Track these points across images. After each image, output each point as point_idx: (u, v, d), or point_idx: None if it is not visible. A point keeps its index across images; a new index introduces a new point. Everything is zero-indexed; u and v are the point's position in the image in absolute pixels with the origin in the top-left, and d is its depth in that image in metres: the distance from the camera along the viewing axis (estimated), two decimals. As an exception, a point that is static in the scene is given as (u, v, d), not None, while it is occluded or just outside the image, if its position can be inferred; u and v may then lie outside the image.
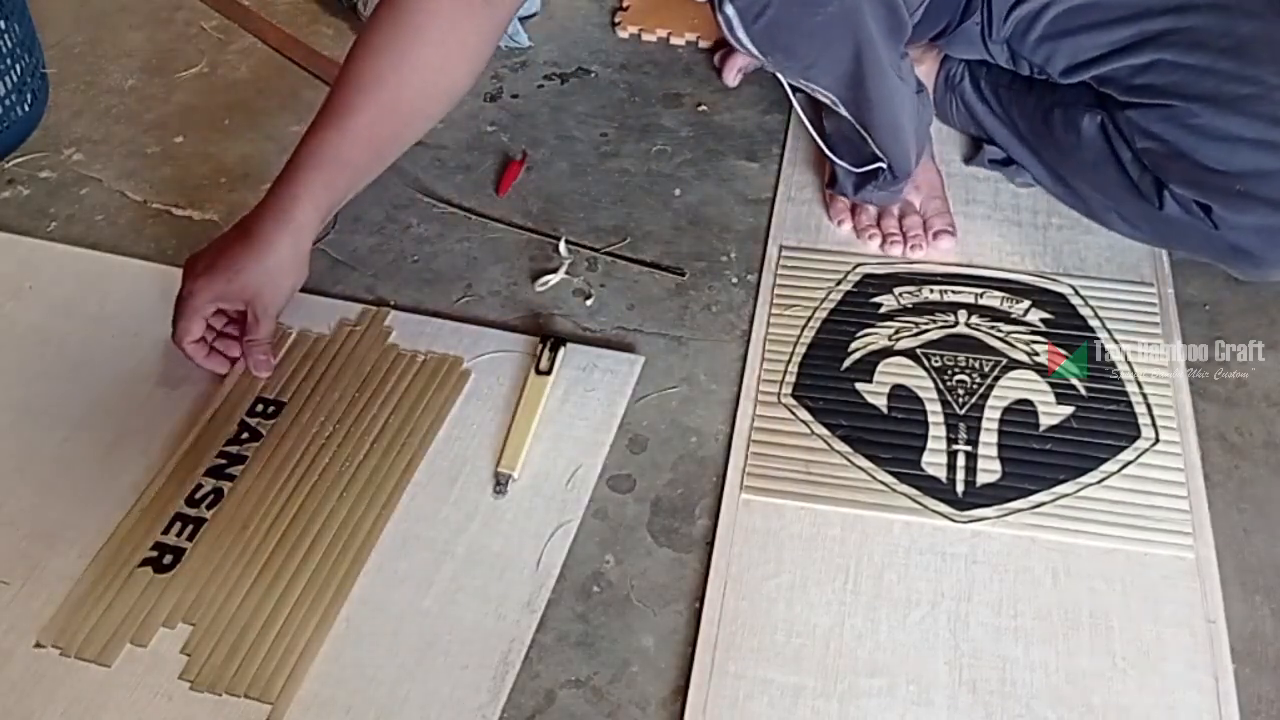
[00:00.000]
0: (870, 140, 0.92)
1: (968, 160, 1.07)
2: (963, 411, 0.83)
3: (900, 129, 0.92)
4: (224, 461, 0.82)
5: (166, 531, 0.78)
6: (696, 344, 0.91)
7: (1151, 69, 0.84)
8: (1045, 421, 0.83)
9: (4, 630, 0.74)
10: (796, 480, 0.80)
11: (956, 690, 0.69)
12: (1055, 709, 0.68)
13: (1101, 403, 0.84)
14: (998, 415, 0.81)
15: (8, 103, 1.12)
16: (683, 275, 0.97)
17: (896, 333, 0.90)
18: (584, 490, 0.80)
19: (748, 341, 0.91)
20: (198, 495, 0.80)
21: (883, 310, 0.92)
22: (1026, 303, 0.92)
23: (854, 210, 1.00)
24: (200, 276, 0.83)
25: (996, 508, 0.77)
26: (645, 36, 1.25)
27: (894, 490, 0.79)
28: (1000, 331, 0.89)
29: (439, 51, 0.83)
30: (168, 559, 0.77)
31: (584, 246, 1.00)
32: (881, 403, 0.85)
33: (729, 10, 0.77)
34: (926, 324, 0.91)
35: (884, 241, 0.97)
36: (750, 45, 0.80)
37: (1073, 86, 0.92)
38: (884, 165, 0.93)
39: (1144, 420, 0.83)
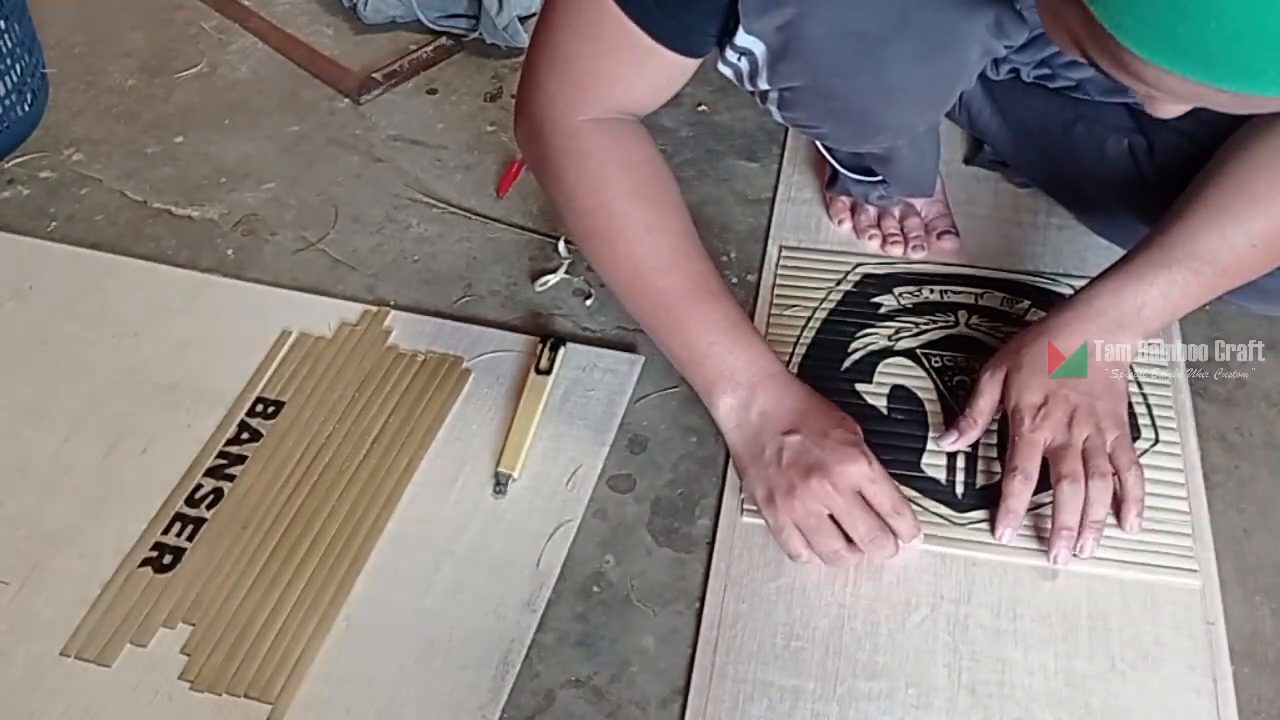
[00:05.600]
0: (887, 181, 0.91)
1: (968, 160, 1.07)
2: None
3: (920, 173, 0.92)
4: (224, 461, 0.83)
5: (166, 532, 0.78)
6: (696, 344, 0.91)
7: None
8: (1045, 422, 0.83)
9: (4, 630, 0.74)
10: (796, 481, 0.80)
11: (956, 693, 0.69)
12: (1054, 711, 0.68)
13: (1101, 403, 0.84)
14: (998, 416, 0.81)
15: (8, 103, 1.12)
16: (683, 275, 0.97)
17: (896, 333, 0.90)
18: (584, 490, 0.80)
19: (748, 342, 0.91)
20: (198, 495, 0.80)
21: (883, 310, 0.92)
22: (1026, 303, 0.92)
23: (854, 210, 1.00)
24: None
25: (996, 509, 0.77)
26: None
27: (894, 491, 0.79)
28: (1001, 332, 0.89)
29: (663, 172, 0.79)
30: (168, 559, 0.77)
31: (584, 246, 1.00)
32: (881, 404, 0.85)
33: (726, 70, 0.72)
34: (926, 324, 0.90)
35: (884, 242, 0.97)
36: (774, 112, 0.76)
37: (1102, 103, 0.90)
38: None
39: (1144, 420, 0.83)
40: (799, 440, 0.73)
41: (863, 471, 0.72)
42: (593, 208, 0.76)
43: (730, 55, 0.70)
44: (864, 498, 0.73)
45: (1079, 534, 0.73)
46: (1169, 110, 0.53)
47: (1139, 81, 0.48)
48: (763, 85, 0.72)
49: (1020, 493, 0.74)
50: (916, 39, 0.66)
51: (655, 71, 0.72)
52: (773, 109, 0.75)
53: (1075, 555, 0.73)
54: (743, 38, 0.68)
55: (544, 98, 0.75)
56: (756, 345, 0.77)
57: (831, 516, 0.73)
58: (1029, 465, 0.74)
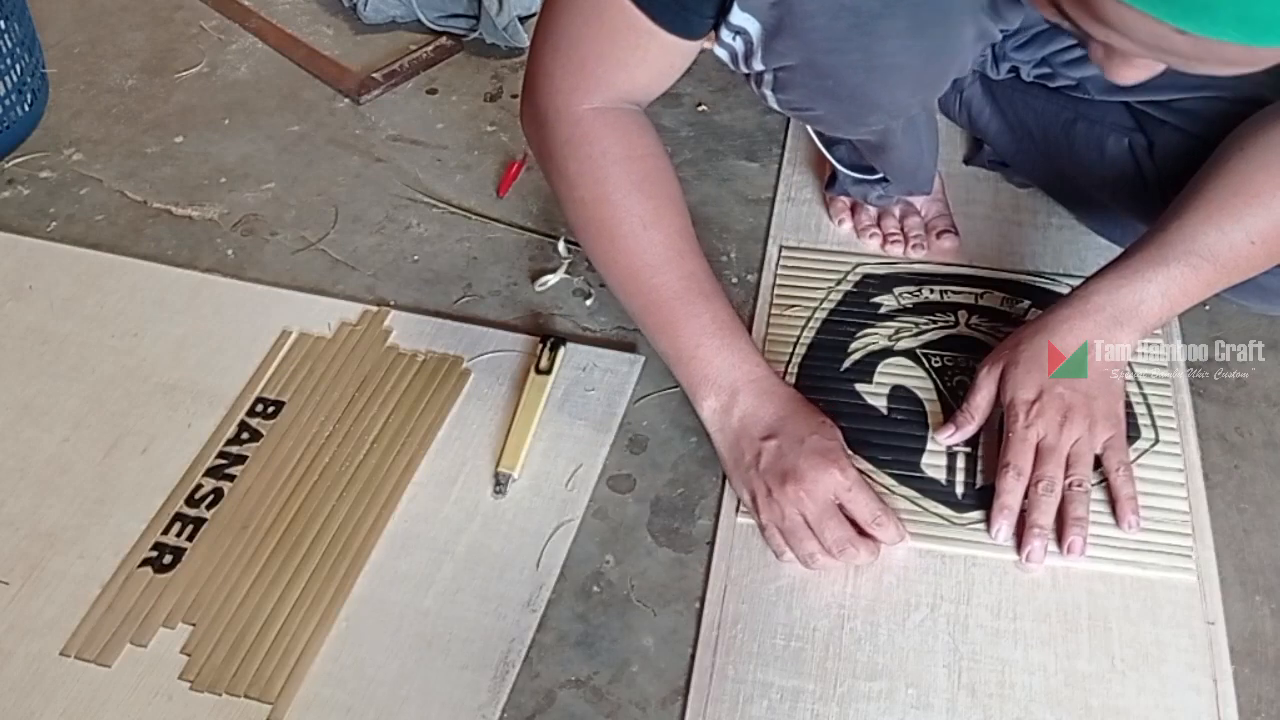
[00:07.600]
0: (884, 175, 0.91)
1: (968, 160, 1.07)
2: (963, 412, 0.83)
3: (918, 167, 0.91)
4: (224, 461, 0.83)
5: (166, 531, 0.78)
6: (696, 344, 0.91)
7: (1206, 101, 0.83)
8: (1045, 422, 0.83)
9: (4, 630, 0.74)
10: (796, 481, 0.80)
11: (955, 693, 0.69)
12: (1054, 711, 0.68)
13: (1101, 403, 0.84)
14: (997, 416, 0.81)
15: (8, 103, 1.12)
16: (683, 275, 0.97)
17: (896, 333, 0.90)
18: (584, 490, 0.80)
19: (748, 342, 0.91)
20: (198, 495, 0.80)
21: (882, 310, 0.92)
22: (1026, 303, 0.92)
23: (854, 209, 1.00)
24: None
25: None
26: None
27: (893, 492, 0.79)
28: (1001, 332, 0.89)
29: (662, 163, 0.80)
30: (168, 559, 0.77)
31: (584, 246, 1.00)
32: (881, 404, 0.85)
33: (722, 52, 0.72)
34: (926, 324, 0.90)
35: (884, 242, 0.97)
36: (772, 96, 0.76)
37: (1102, 102, 0.90)
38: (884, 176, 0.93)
39: (1144, 420, 0.83)
40: (775, 445, 0.74)
41: (836, 480, 0.72)
42: (593, 199, 0.77)
43: (725, 35, 0.70)
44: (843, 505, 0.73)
45: (1064, 531, 0.73)
46: (1128, 73, 0.54)
47: (1100, 24, 0.48)
48: (757, 66, 0.72)
49: (1013, 489, 0.74)
50: (909, 14, 0.67)
51: (656, 56, 0.73)
52: (768, 93, 0.75)
53: (1065, 554, 0.73)
54: (738, 15, 0.68)
55: (548, 83, 0.75)
56: (743, 348, 0.78)
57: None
58: (1021, 462, 0.74)
